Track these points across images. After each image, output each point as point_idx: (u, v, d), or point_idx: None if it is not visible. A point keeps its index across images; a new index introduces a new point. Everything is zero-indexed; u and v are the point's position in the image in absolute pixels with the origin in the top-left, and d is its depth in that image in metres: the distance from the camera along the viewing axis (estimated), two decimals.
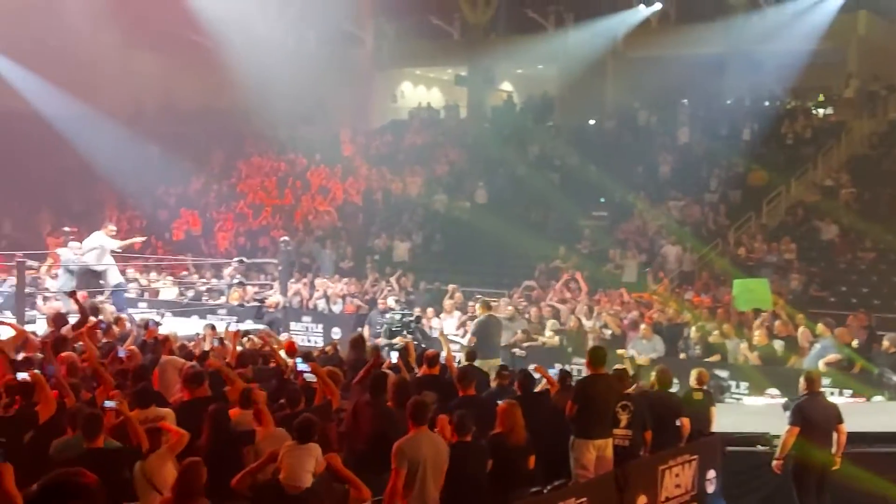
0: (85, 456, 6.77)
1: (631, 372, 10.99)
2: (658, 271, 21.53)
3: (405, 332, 16.24)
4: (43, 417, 7.79)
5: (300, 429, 7.06)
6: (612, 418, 9.08)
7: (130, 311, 17.70)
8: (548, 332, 16.95)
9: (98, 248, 17.33)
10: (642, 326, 15.96)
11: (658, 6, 30.24)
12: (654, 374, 10.30)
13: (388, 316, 18.20)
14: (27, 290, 16.56)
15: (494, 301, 18.18)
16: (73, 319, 13.10)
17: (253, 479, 6.96)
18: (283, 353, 11.38)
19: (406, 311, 18.04)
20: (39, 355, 10.67)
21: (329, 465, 6.87)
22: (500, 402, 8.33)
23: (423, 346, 14.51)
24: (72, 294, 13.95)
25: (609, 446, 8.88)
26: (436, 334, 16.26)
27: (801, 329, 15.35)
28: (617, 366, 10.55)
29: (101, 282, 17.59)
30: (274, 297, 19.33)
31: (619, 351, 14.16)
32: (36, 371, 8.58)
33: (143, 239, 19.31)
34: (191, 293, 21.98)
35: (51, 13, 29.71)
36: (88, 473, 3.06)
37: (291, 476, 6.75)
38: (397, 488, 7.03)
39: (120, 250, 17.97)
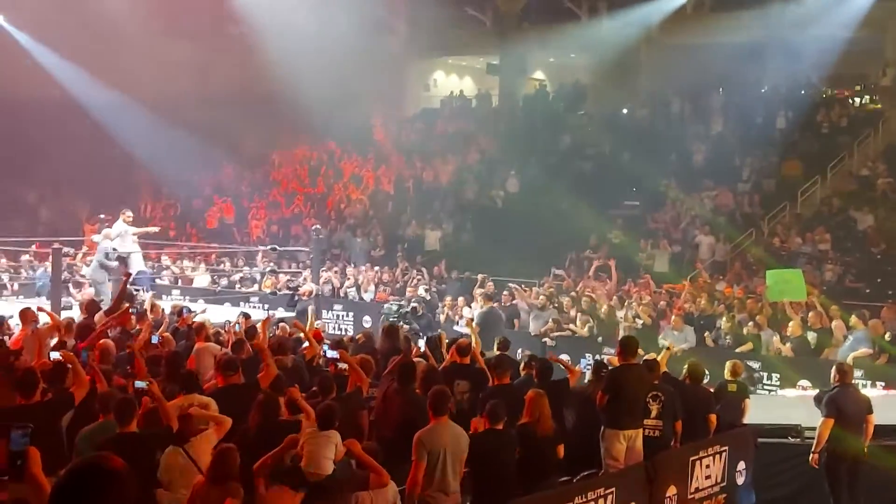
0: (117, 440, 6.86)
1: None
2: (690, 261, 21.41)
3: (402, 323, 16.26)
4: (78, 398, 7.88)
5: (321, 416, 7.13)
6: (643, 409, 9.06)
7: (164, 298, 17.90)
8: (578, 322, 16.92)
9: (121, 234, 17.48)
10: (673, 317, 15.90)
11: None
12: (685, 366, 10.27)
13: (385, 306, 18.28)
14: (63, 276, 16.74)
15: (525, 290, 18.21)
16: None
17: (273, 465, 7.02)
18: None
19: (402, 302, 18.14)
20: (73, 341, 10.84)
21: (349, 450, 6.92)
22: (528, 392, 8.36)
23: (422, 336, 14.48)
24: (124, 280, 14.05)
25: (639, 437, 8.86)
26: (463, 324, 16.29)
27: (835, 321, 15.21)
28: (647, 356, 10.53)
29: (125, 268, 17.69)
30: (307, 285, 19.44)
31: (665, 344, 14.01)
32: (67, 352, 8.73)
33: (158, 229, 19.33)
34: (224, 281, 22.14)
35: (87, 1, 29.94)
36: (116, 458, 3.05)
37: (312, 463, 6.80)
38: (417, 479, 7.09)
39: (136, 238, 18.00)
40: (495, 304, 17.65)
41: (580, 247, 22.76)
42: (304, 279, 20.26)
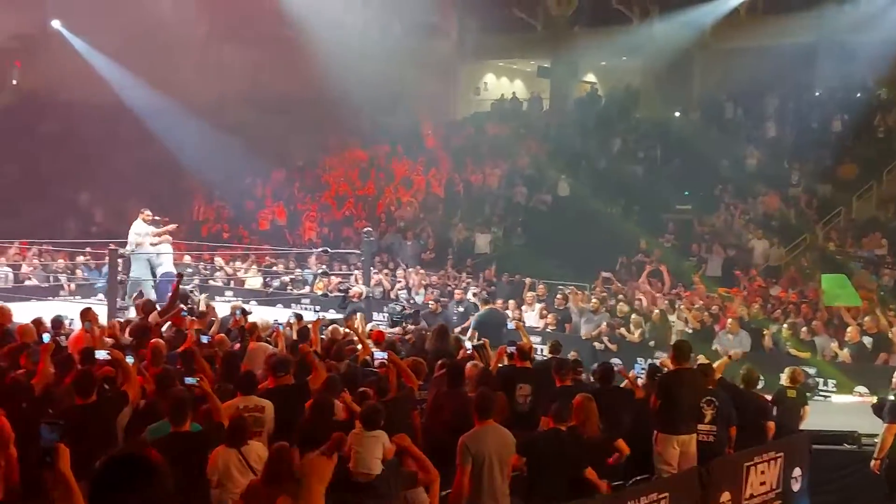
0: (170, 439, 6.94)
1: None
2: (744, 266, 21.19)
3: (404, 324, 16.26)
4: (132, 397, 8.00)
5: (366, 416, 7.13)
6: (697, 414, 8.99)
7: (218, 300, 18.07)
8: (632, 326, 16.82)
9: (142, 234, 17.66)
10: (728, 321, 15.75)
11: None
12: (741, 371, 10.18)
13: (390, 306, 18.33)
14: (119, 277, 16.94)
15: (577, 293, 18.14)
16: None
17: None
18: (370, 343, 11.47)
19: (402, 304, 18.23)
20: (127, 339, 10.99)
21: (399, 445, 6.91)
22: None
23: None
24: (177, 280, 14.17)
25: (693, 442, 8.80)
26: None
27: (894, 327, 14.97)
28: (701, 360, 10.45)
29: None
30: (357, 287, 19.51)
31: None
32: (115, 350, 8.87)
33: (176, 226, 19.26)
34: (276, 283, 22.32)
35: (140, 7, 30.40)
36: (154, 452, 3.08)
37: (361, 464, 6.80)
38: (463, 484, 7.06)
39: (157, 238, 17.83)
40: (496, 306, 17.63)
41: (631, 251, 22.63)
42: (355, 281, 20.36)
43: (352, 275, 21.53)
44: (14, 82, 35.03)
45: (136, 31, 33.67)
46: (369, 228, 21.82)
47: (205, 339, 10.90)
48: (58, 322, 11.94)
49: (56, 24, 33.21)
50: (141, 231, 17.61)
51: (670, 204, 25.44)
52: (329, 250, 22.47)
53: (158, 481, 3.02)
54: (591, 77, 36.34)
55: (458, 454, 7.07)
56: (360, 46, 31.03)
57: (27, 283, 21.37)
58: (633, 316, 16.95)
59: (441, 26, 34.94)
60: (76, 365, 8.74)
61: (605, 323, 16.91)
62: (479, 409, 7.35)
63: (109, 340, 11.08)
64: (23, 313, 12.83)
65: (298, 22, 29.57)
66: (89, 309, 12.37)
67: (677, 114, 31.03)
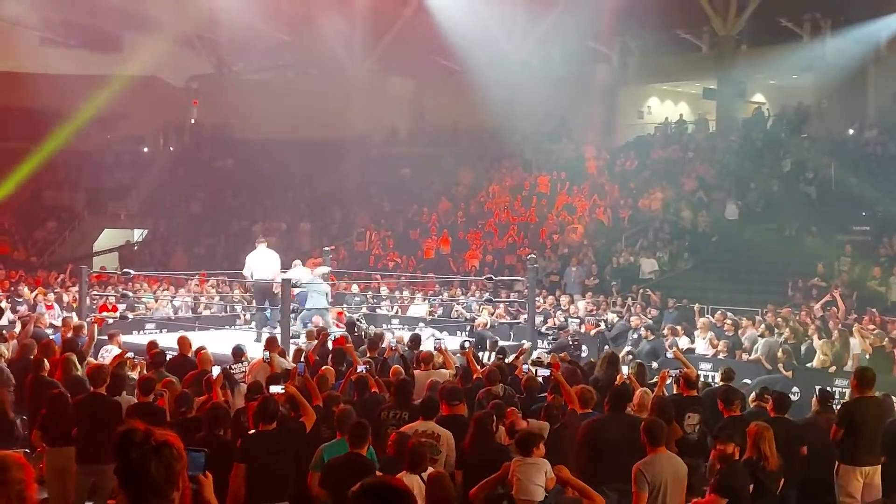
0: (349, 460, 7.12)
1: None
2: None
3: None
4: (308, 428, 8.27)
5: (521, 442, 7.16)
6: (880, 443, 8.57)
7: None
8: (819, 352, 16.16)
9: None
10: None
11: None
12: None
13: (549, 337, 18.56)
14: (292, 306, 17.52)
15: (748, 320, 17.63)
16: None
17: (488, 492, 7.07)
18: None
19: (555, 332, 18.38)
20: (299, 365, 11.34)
21: (559, 477, 6.89)
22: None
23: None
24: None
25: (877, 473, 8.41)
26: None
27: None
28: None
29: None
30: (482, 317, 19.53)
31: None
32: (289, 384, 9.19)
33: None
34: (440, 310, 22.59)
35: (311, 44, 31.58)
36: (403, 482, 3.21)
37: (522, 490, 6.84)
38: None
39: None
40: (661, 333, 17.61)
41: (805, 274, 21.80)
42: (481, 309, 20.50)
43: (515, 302, 21.59)
44: (192, 121, 36.99)
45: (306, 67, 35.07)
46: (533, 255, 21.84)
47: (361, 369, 11.12)
48: (238, 351, 12.47)
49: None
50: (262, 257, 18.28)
51: (847, 225, 24.42)
52: (493, 277, 22.60)
53: None
54: (758, 97, 35.38)
55: (634, 481, 7.01)
56: (522, 74, 31.22)
57: (205, 313, 22.40)
58: (815, 341, 16.33)
59: (602, 51, 34.80)
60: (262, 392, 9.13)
61: (781, 350, 16.33)
62: (648, 436, 7.24)
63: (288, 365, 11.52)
64: (202, 342, 13.44)
65: (463, 54, 30.04)
66: (273, 339, 12.89)
67: (851, 131, 29.82)
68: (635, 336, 18.23)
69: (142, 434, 3.23)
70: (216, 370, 10.07)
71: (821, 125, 30.17)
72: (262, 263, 18.35)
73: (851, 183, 25.35)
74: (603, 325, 19.52)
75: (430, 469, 7.24)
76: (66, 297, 21.44)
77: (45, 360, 10.84)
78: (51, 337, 13.97)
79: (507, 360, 12.83)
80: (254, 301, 20.10)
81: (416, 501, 3.17)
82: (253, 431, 7.99)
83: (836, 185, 26.34)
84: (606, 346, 18.03)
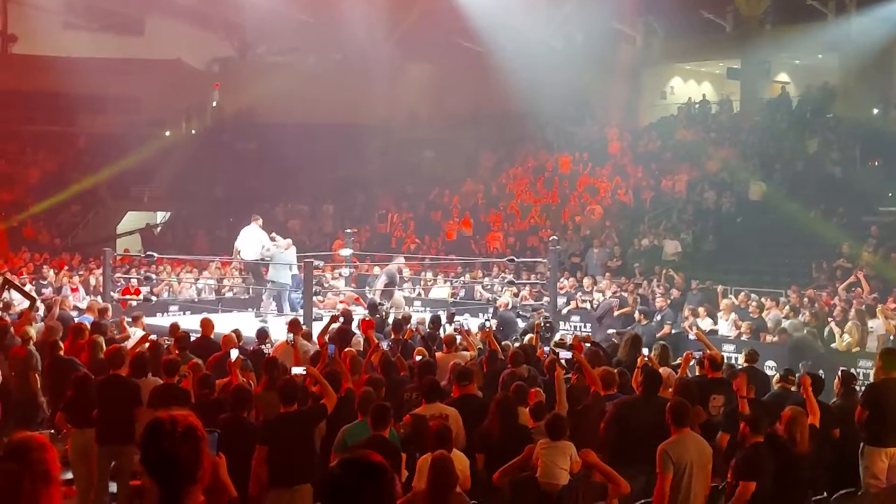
0: (372, 442, 7.14)
1: None
2: None
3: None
4: (330, 410, 8.27)
5: (550, 427, 7.13)
6: None
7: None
8: (844, 334, 16.08)
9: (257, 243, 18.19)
10: None
11: None
12: None
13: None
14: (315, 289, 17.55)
15: (771, 300, 17.50)
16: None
17: (513, 475, 7.07)
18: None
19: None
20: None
21: (585, 461, 6.86)
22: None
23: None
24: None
25: None
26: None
27: None
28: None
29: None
30: (503, 297, 19.49)
31: None
32: (311, 367, 9.25)
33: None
34: (462, 292, 22.58)
35: (332, 27, 31.50)
36: (376, 454, 3.19)
37: (547, 474, 6.82)
38: (665, 492, 6.92)
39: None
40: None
41: (830, 255, 21.63)
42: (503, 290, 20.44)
43: (538, 283, 21.56)
44: (214, 104, 37.02)
45: (328, 51, 35.01)
46: (555, 237, 21.79)
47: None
48: (263, 333, 12.52)
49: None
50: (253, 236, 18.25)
51: (872, 206, 24.20)
52: (515, 259, 22.58)
53: (392, 483, 3.14)
54: (783, 77, 35.07)
55: (658, 462, 6.97)
56: (544, 56, 31.05)
57: (228, 295, 22.48)
58: (840, 323, 16.25)
59: (625, 32, 34.57)
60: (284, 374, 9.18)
61: (806, 330, 16.23)
62: (673, 417, 7.21)
63: (313, 348, 11.56)
64: (225, 325, 13.49)
65: (484, 36, 29.90)
66: (297, 321, 12.92)
67: (876, 111, 29.50)
68: (658, 318, 18.13)
69: (169, 422, 3.24)
70: (234, 353, 10.11)
71: (846, 105, 29.86)
72: (246, 242, 18.40)
73: (877, 163, 25.08)
74: (588, 305, 19.56)
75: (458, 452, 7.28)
76: (92, 280, 21.57)
77: (60, 342, 11.04)
78: (78, 320, 14.05)
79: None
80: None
81: (392, 475, 3.14)
82: (275, 414, 8.02)
83: (862, 166, 26.10)
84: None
